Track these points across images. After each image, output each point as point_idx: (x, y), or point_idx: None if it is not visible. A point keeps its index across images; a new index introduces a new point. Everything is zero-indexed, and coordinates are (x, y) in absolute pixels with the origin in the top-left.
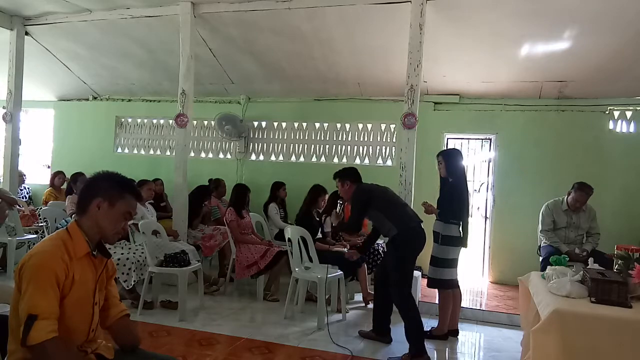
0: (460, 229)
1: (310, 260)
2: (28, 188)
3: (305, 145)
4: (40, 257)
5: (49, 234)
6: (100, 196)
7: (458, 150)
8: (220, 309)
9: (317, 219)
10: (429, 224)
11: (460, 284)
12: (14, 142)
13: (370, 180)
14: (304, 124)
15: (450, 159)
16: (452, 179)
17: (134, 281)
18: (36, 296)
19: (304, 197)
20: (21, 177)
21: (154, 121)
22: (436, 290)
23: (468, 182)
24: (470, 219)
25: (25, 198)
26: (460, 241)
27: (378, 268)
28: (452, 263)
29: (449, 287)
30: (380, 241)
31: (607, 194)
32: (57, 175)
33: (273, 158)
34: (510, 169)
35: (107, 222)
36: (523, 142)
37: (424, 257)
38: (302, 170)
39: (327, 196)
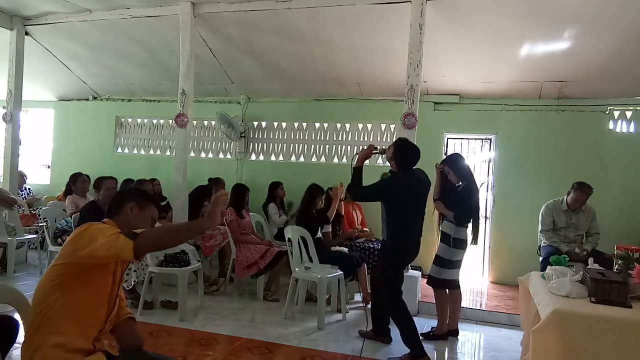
0: (469, 230)
1: (310, 260)
2: (29, 189)
3: (305, 145)
4: (95, 224)
5: (49, 234)
6: (133, 201)
7: (457, 153)
8: (220, 309)
9: (316, 215)
10: (430, 225)
11: (460, 284)
12: (14, 142)
13: (369, 179)
14: (304, 124)
15: (455, 164)
16: (463, 182)
17: (134, 281)
18: (109, 232)
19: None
20: (22, 178)
21: (154, 121)
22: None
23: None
24: (481, 219)
25: (25, 199)
26: (467, 244)
27: (374, 269)
28: (457, 264)
29: (448, 287)
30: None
31: (607, 194)
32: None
33: (273, 158)
34: (510, 169)
35: (138, 223)
36: (523, 142)
37: (425, 256)
38: (302, 170)
39: (324, 196)
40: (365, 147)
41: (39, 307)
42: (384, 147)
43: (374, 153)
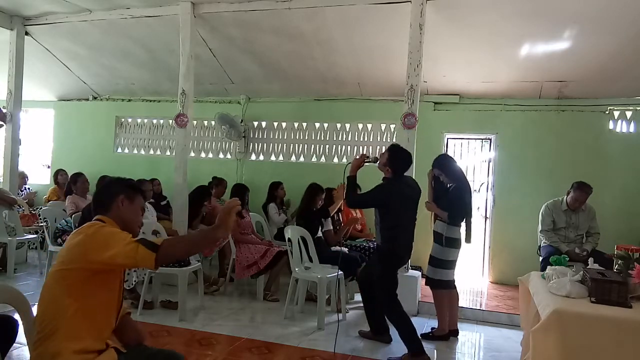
0: (462, 229)
1: (310, 260)
2: (29, 188)
3: (305, 145)
4: (102, 226)
5: (49, 234)
6: (122, 194)
7: (445, 154)
8: (220, 309)
9: (316, 213)
10: (428, 224)
11: (456, 284)
12: (14, 142)
13: (369, 179)
14: (304, 124)
15: (444, 165)
16: (454, 182)
17: (135, 281)
18: (122, 237)
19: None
20: (23, 179)
21: (154, 121)
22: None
23: (469, 181)
24: (473, 217)
25: (26, 199)
26: (461, 243)
27: (362, 271)
28: (451, 264)
29: (446, 288)
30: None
31: (607, 194)
32: (59, 173)
33: (273, 158)
34: (510, 169)
35: (131, 215)
36: (523, 142)
37: (424, 256)
38: (302, 170)
39: (324, 195)
40: (357, 157)
41: (51, 312)
42: (376, 155)
43: (367, 162)
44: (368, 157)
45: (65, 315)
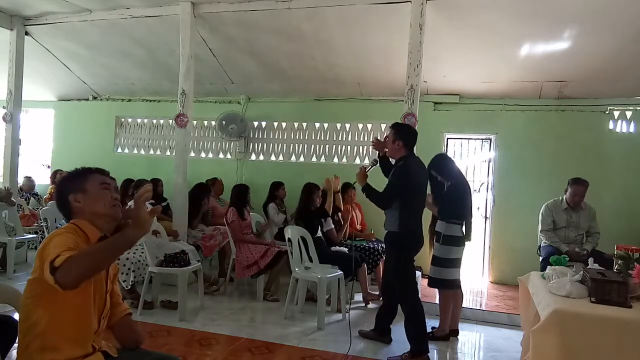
0: (463, 228)
1: (310, 260)
2: (37, 193)
3: (305, 145)
4: (58, 234)
5: (49, 234)
6: (70, 192)
7: (441, 154)
8: (220, 309)
9: (315, 212)
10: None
11: (462, 284)
12: (14, 142)
13: (370, 179)
14: (304, 124)
15: (439, 165)
16: (451, 181)
17: (132, 281)
18: (52, 254)
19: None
20: (30, 184)
21: (154, 121)
22: (436, 290)
23: (468, 181)
24: (473, 217)
25: (27, 199)
26: (463, 240)
27: (385, 268)
28: (454, 263)
29: (450, 287)
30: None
31: (607, 194)
32: (58, 173)
33: (273, 158)
34: (510, 169)
35: (94, 203)
36: (523, 142)
37: (425, 257)
38: (302, 170)
39: (320, 192)
40: (357, 173)
41: (25, 324)
42: (374, 158)
43: (369, 169)
44: (365, 165)
45: (37, 328)
